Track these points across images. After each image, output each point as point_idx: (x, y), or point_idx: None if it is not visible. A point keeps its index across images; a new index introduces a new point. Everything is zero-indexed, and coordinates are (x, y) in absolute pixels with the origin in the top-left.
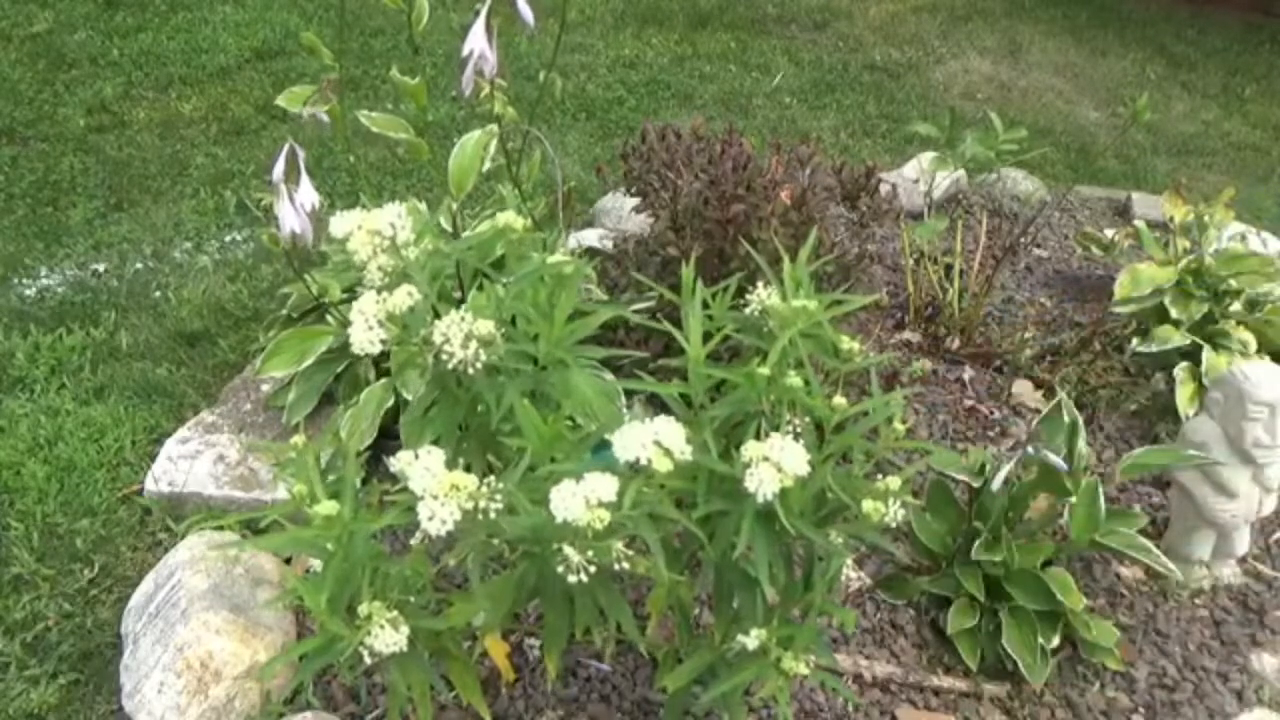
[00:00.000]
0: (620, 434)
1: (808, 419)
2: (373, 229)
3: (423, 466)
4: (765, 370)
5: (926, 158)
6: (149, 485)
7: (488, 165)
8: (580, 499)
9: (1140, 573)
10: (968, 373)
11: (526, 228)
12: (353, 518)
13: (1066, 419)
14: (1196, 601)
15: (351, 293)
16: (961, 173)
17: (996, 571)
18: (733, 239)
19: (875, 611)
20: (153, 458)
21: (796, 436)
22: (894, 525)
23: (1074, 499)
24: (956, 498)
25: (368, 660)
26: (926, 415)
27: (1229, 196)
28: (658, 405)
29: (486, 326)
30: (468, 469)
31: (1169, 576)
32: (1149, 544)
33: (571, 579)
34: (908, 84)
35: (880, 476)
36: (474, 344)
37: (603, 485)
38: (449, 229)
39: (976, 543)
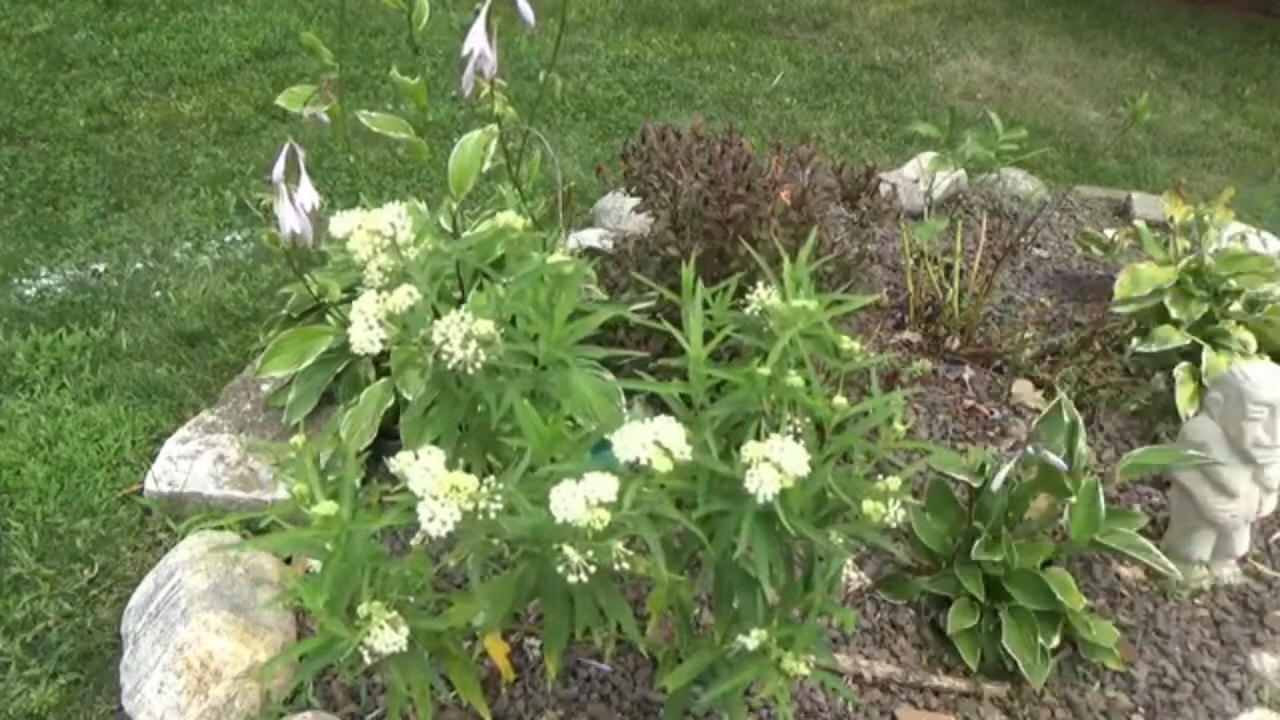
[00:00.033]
0: (620, 434)
1: (808, 419)
2: (373, 229)
3: (423, 467)
4: (765, 370)
5: (926, 158)
6: (149, 485)
7: (488, 165)
8: (580, 499)
9: (1140, 573)
10: (968, 373)
11: (526, 228)
12: (352, 518)
13: (1066, 419)
14: (1196, 601)
15: (351, 293)
16: (961, 173)
17: (996, 571)
18: (733, 239)
19: (875, 611)
20: (153, 458)
21: (797, 437)
22: (894, 525)
23: (1074, 499)
24: (956, 498)
25: (367, 660)
26: (926, 415)
27: (1229, 196)
28: (658, 405)
29: (486, 326)
30: (468, 469)
31: (1169, 576)
32: (1149, 544)
33: (571, 579)
34: (908, 84)
35: (880, 476)
36: (474, 344)
37: (603, 485)
38: (449, 229)
39: (976, 543)
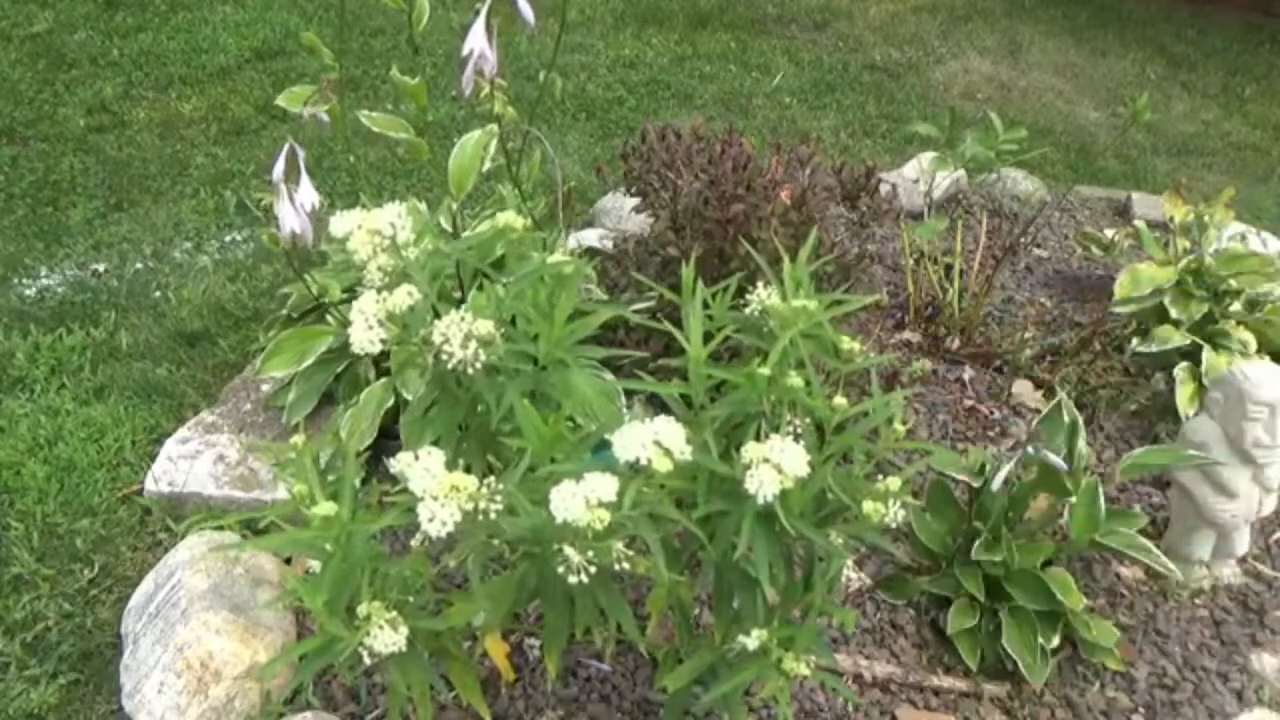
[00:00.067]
0: (620, 434)
1: (808, 419)
2: (373, 229)
3: (423, 467)
4: (766, 370)
5: (926, 158)
6: (149, 485)
7: (488, 165)
8: (580, 499)
9: (1140, 573)
10: (968, 373)
11: (526, 228)
12: (351, 518)
13: (1066, 419)
14: (1196, 601)
15: (351, 293)
16: (961, 173)
17: (996, 571)
18: (733, 239)
19: (875, 611)
20: (153, 458)
21: (797, 437)
22: (894, 526)
23: (1074, 499)
24: (956, 498)
25: (367, 661)
26: (926, 415)
27: (1229, 196)
28: (658, 405)
29: (486, 326)
30: (468, 469)
31: (1169, 576)
32: (1149, 544)
33: (572, 579)
34: (908, 84)
35: (880, 477)
36: (474, 344)
37: (603, 485)
38: (449, 229)
39: (976, 543)
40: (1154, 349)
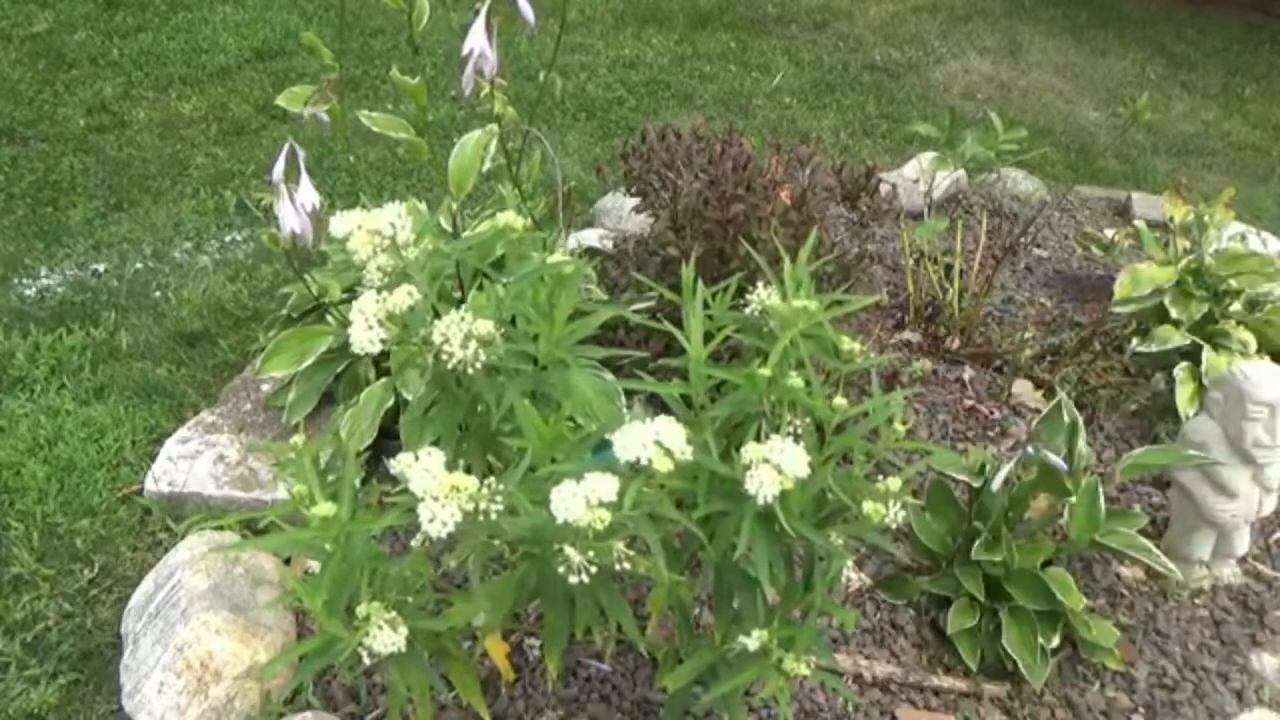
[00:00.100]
0: (621, 434)
1: (808, 420)
2: (373, 229)
3: (423, 468)
4: (766, 371)
5: (926, 158)
6: (149, 485)
7: (488, 165)
8: (581, 499)
9: (1140, 573)
10: (968, 373)
11: (526, 228)
12: (351, 519)
13: (1066, 419)
14: (1196, 601)
15: (351, 293)
16: (961, 173)
17: (996, 571)
18: (733, 239)
19: (875, 611)
20: (153, 458)
21: (797, 437)
22: (894, 526)
23: (1074, 499)
24: (956, 498)
25: (366, 661)
26: (926, 415)
27: (1229, 196)
28: (658, 405)
29: (486, 326)
30: (468, 469)
31: (1169, 576)
32: (1149, 544)
33: (572, 579)
34: (908, 84)
35: (880, 477)
36: (474, 344)
37: (603, 485)
38: (449, 229)
39: (976, 543)
40: (1154, 349)
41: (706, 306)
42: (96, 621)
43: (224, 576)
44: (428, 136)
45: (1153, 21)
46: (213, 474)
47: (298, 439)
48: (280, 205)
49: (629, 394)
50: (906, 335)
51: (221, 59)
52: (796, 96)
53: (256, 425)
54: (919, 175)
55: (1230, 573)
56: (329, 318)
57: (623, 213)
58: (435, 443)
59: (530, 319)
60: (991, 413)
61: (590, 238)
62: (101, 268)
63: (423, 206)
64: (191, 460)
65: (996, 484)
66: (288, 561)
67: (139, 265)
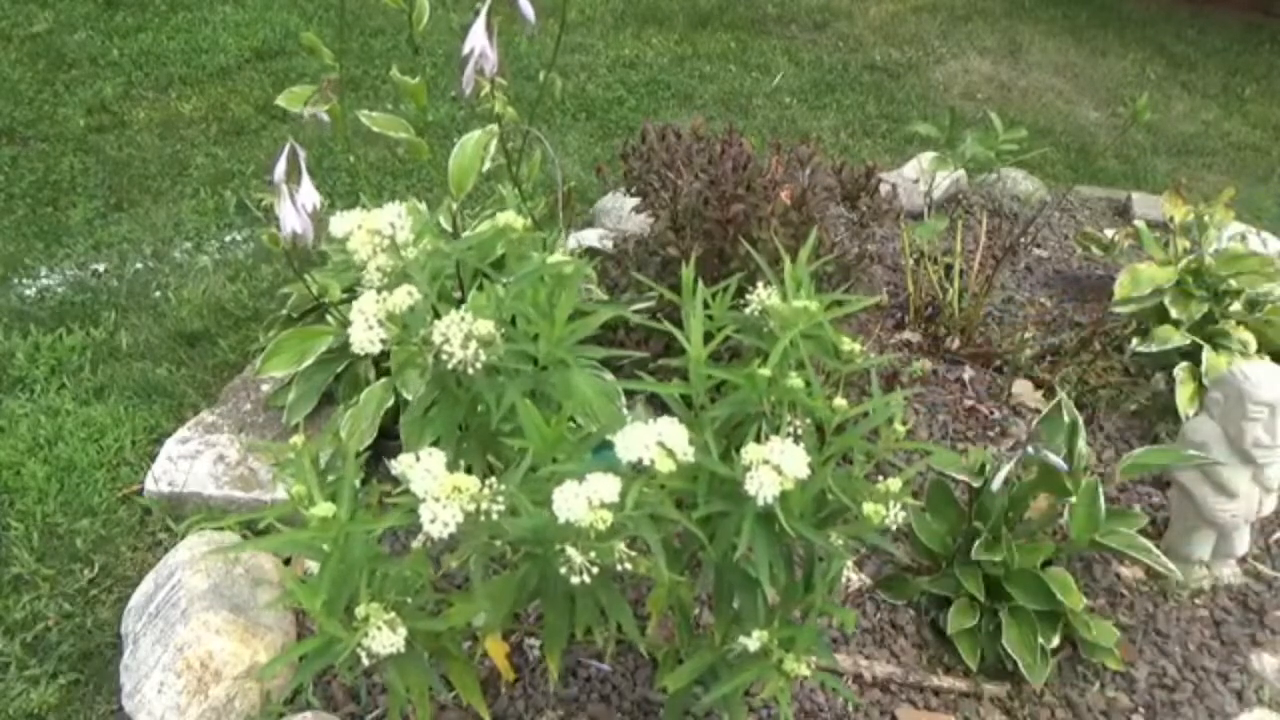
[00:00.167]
0: (623, 434)
1: (808, 420)
2: (373, 229)
3: (424, 469)
4: (766, 371)
5: (926, 158)
6: (149, 485)
7: (488, 165)
8: (583, 500)
9: (1140, 573)
10: (968, 373)
11: (526, 228)
12: (350, 519)
13: (1066, 419)
14: (1196, 601)
15: (351, 293)
16: (961, 173)
17: (996, 571)
18: (733, 239)
19: (875, 611)
20: (153, 458)
21: (797, 438)
22: (894, 527)
23: (1074, 499)
24: (956, 498)
25: (366, 662)
26: (926, 415)
27: (1229, 196)
28: (658, 405)
29: (486, 326)
30: (468, 470)
31: (1169, 576)
32: (1149, 544)
33: (574, 580)
34: (908, 84)
35: (880, 477)
36: (474, 344)
37: (605, 486)
38: (449, 229)
39: (976, 543)
40: (1154, 349)
41: (706, 306)
42: (96, 621)
43: (224, 576)
44: (428, 136)
45: (1153, 21)
46: (213, 474)
47: (297, 439)
48: (281, 205)
49: (630, 394)
50: (906, 335)
51: (221, 59)
52: (796, 96)
53: (256, 425)
54: (919, 175)
55: (1230, 573)
56: (329, 318)
57: (623, 213)
58: (435, 443)
59: (530, 319)
60: (991, 413)
61: (590, 238)
62: (101, 268)
63: (423, 206)
64: (191, 460)
65: (996, 484)
66: (288, 561)
67: (139, 265)
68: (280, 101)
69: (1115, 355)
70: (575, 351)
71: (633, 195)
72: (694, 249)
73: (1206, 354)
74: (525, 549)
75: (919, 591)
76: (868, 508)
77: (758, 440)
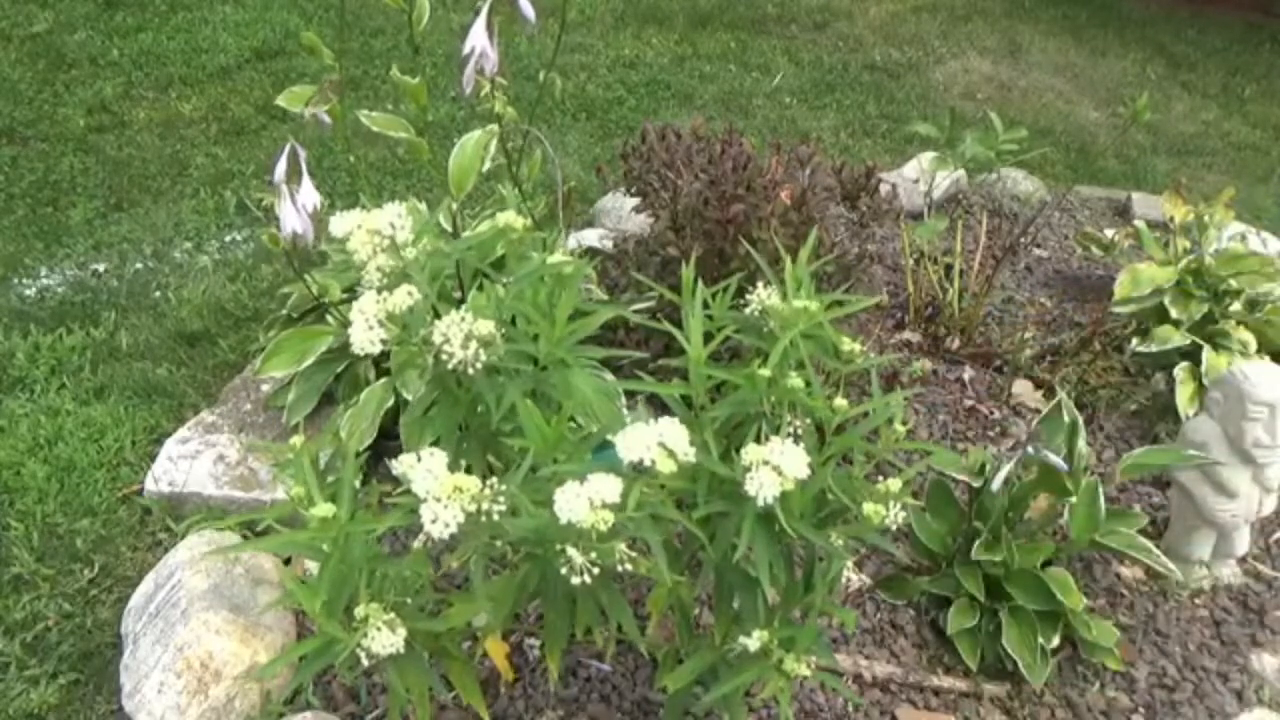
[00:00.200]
0: (624, 435)
1: (808, 420)
2: (373, 229)
3: (425, 469)
4: (766, 371)
5: (926, 158)
6: (149, 485)
7: (488, 165)
8: (584, 500)
9: (1140, 573)
10: (968, 373)
11: (526, 228)
12: (350, 519)
13: (1066, 419)
14: (1196, 601)
15: (351, 293)
16: (961, 173)
17: (996, 571)
18: (733, 239)
19: (875, 611)
20: (153, 458)
21: (797, 438)
22: (894, 527)
23: (1074, 499)
24: (956, 498)
25: (365, 662)
26: (926, 415)
27: (1229, 196)
28: (658, 405)
29: (486, 326)
30: (468, 470)
31: (1169, 576)
32: (1149, 544)
33: (575, 580)
34: (908, 84)
35: (880, 477)
36: (474, 344)
37: (607, 487)
38: (449, 229)
39: (976, 543)
40: (1154, 349)
41: (706, 306)
42: (96, 621)
43: (224, 576)
44: (428, 136)
45: (1153, 21)
46: (213, 474)
47: (297, 439)
48: (281, 205)
49: (631, 394)
50: (906, 335)
51: (221, 59)
52: (796, 96)
53: (256, 425)
54: (919, 175)
55: (1230, 573)
56: (329, 318)
57: (623, 213)
58: (435, 443)
59: (530, 319)
60: (991, 413)
61: (590, 238)
62: (101, 268)
63: (423, 206)
64: (191, 460)
65: (996, 484)
66: (288, 561)
67: (139, 265)
68: (280, 101)
69: (1115, 355)
70: (575, 351)
71: (633, 195)
72: (694, 249)
73: (1206, 354)
74: (526, 549)
75: (919, 591)
76: (868, 508)
77: (758, 440)
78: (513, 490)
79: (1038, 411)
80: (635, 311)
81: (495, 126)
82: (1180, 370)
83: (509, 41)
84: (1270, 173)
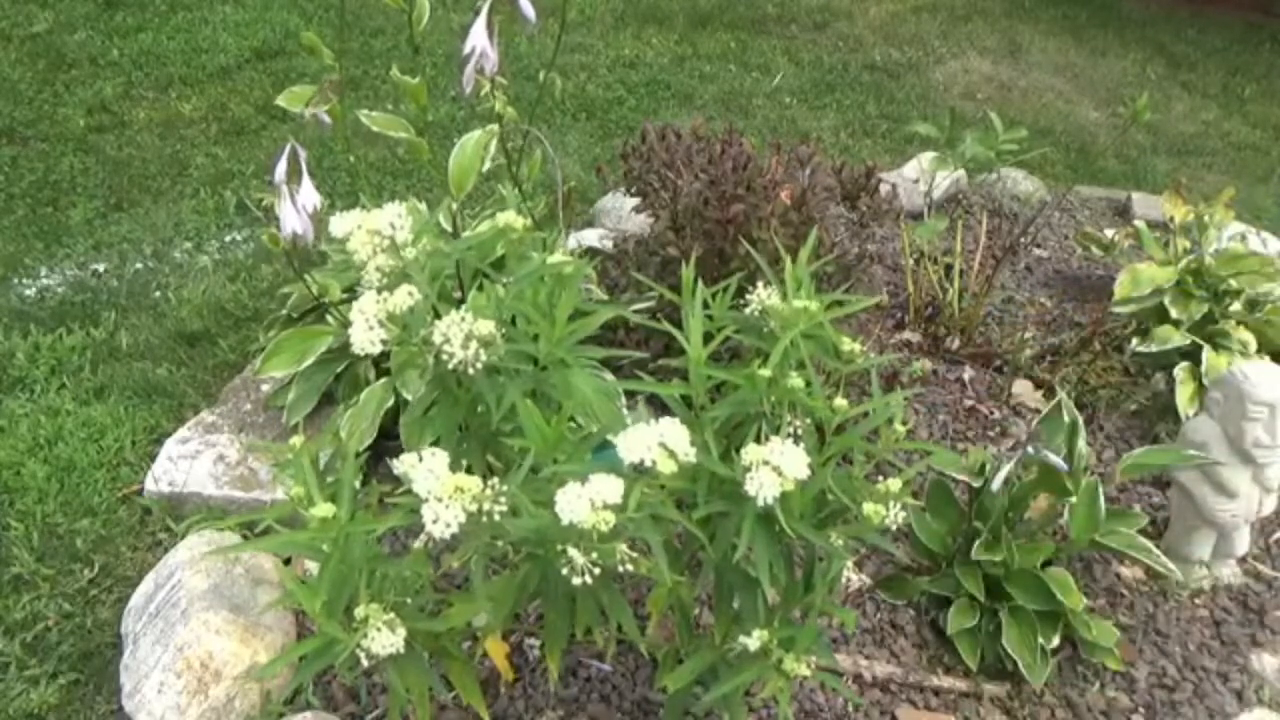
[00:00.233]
0: (625, 435)
1: (808, 420)
2: (373, 229)
3: (426, 469)
4: (766, 371)
5: (926, 158)
6: (149, 485)
7: (488, 165)
8: (586, 501)
9: (1140, 573)
10: (968, 373)
11: (526, 228)
12: (350, 520)
13: (1066, 419)
14: (1196, 601)
15: (351, 293)
16: (961, 173)
17: (996, 571)
18: (733, 239)
19: (875, 611)
20: (153, 458)
21: (797, 438)
22: (894, 527)
23: (1074, 499)
24: (956, 498)
25: (365, 662)
26: (926, 415)
27: (1229, 196)
28: (658, 406)
29: (486, 326)
30: (468, 470)
31: (1169, 576)
32: (1149, 544)
33: (575, 580)
34: (908, 84)
35: (880, 477)
36: (474, 344)
37: (608, 487)
38: (449, 229)
39: (976, 543)
40: (1154, 349)
41: (706, 306)
42: (96, 621)
43: (224, 576)
44: (428, 136)
45: (1153, 21)
46: (213, 474)
47: (297, 439)
48: (281, 205)
49: (631, 394)
50: (906, 335)
51: (221, 59)
52: (796, 96)
53: (256, 425)
54: (919, 175)
55: (1230, 573)
56: (329, 318)
57: (623, 213)
58: (435, 443)
59: (530, 319)
60: (991, 413)
61: (590, 238)
62: (101, 268)
63: (423, 206)
64: (191, 460)
65: (996, 484)
66: (288, 561)
67: (139, 265)
68: (280, 101)
69: (1115, 355)
70: (575, 351)
71: (633, 195)
72: (694, 249)
73: (1206, 354)
74: (526, 549)
75: (919, 591)
76: (868, 508)
77: (758, 440)
78: (513, 490)
79: (1038, 411)
80: (635, 311)
81: (495, 126)
82: (1180, 370)
83: (509, 41)
84: (1270, 173)
